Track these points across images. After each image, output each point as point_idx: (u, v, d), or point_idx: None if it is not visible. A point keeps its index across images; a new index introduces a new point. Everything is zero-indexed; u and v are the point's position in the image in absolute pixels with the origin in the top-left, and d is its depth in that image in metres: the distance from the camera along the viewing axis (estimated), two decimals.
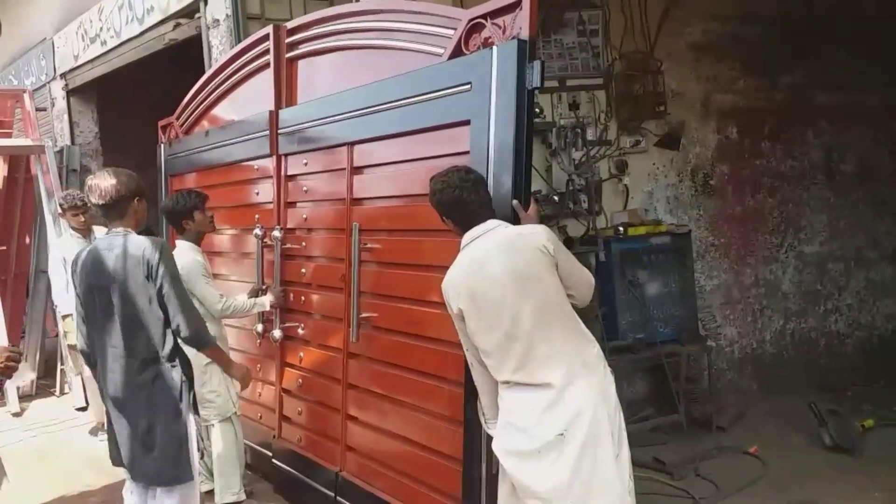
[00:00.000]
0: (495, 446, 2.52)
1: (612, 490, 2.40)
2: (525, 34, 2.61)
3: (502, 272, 2.43)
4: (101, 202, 2.89)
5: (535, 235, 2.49)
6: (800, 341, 5.87)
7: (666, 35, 5.13)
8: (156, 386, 2.92)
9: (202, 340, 3.02)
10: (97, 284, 2.93)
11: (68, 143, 8.10)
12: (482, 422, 2.65)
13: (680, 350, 4.90)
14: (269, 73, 4.23)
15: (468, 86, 2.82)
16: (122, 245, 2.89)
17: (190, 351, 3.10)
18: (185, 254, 3.83)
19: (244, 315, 4.11)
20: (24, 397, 6.51)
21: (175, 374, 2.93)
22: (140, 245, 2.86)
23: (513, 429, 2.44)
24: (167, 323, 2.89)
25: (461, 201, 2.53)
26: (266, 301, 4.05)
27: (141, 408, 2.94)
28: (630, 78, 5.01)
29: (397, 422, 3.36)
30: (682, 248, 5.10)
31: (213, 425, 3.89)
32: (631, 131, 5.08)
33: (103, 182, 2.89)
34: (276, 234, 4.12)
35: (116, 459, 3.11)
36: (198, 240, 3.99)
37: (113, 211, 2.92)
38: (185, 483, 2.97)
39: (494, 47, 2.70)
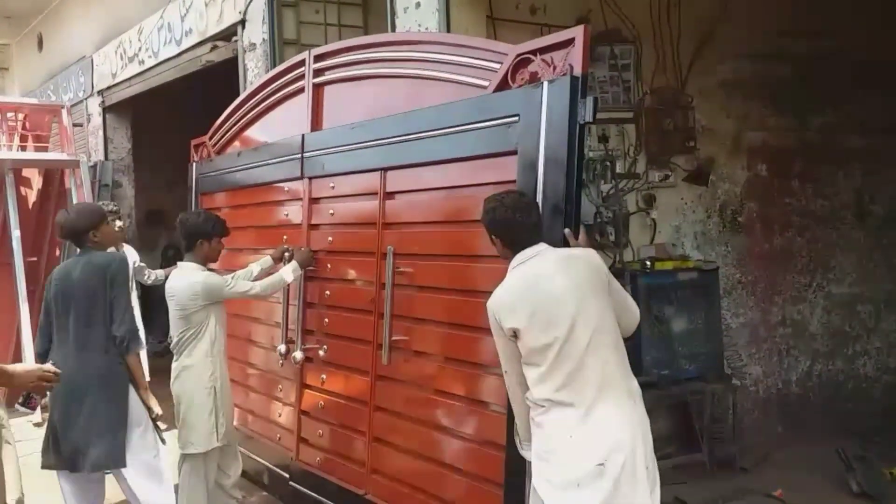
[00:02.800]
0: (535, 479, 2.48)
1: None
2: (578, 70, 2.68)
3: (563, 288, 2.44)
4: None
5: (593, 255, 2.57)
6: (826, 383, 5.77)
7: (697, 72, 5.14)
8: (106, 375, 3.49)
9: (127, 346, 3.50)
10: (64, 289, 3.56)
11: (102, 158, 8.28)
12: (517, 443, 2.65)
13: (704, 388, 4.83)
14: (302, 98, 4.30)
15: (516, 117, 2.89)
16: (88, 259, 3.58)
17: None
18: (194, 274, 3.78)
19: (270, 293, 4.01)
20: (46, 408, 6.55)
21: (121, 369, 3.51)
22: (105, 257, 3.61)
23: (552, 457, 2.41)
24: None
25: (514, 222, 2.55)
26: (289, 271, 3.95)
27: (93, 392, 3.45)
28: (660, 112, 5.02)
29: (430, 445, 3.36)
30: (709, 285, 5.05)
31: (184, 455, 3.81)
32: (660, 165, 5.07)
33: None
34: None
35: (53, 463, 3.60)
36: (203, 263, 3.89)
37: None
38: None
39: (546, 82, 2.77)
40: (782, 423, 5.54)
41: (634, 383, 2.50)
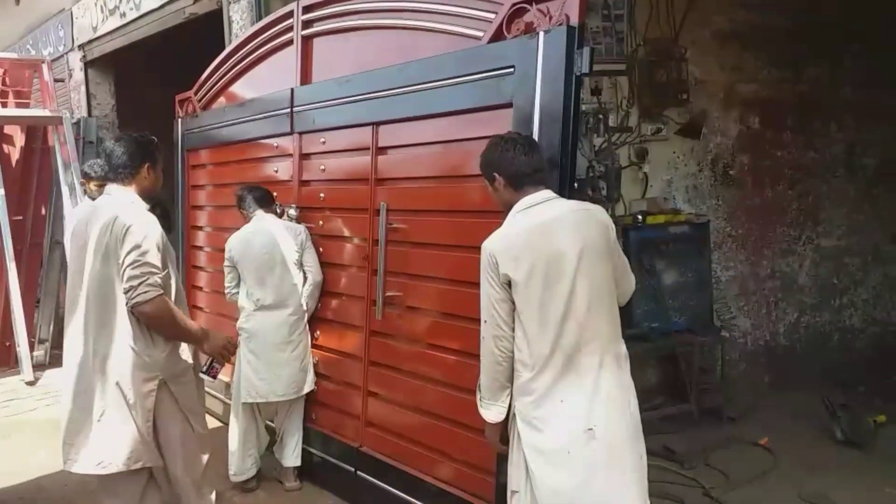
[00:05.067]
0: (523, 445, 2.37)
1: (635, 489, 2.35)
2: (575, 20, 2.62)
3: (571, 244, 2.31)
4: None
5: (602, 213, 2.45)
6: (813, 335, 5.85)
7: (691, 22, 5.06)
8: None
9: None
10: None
11: (85, 114, 8.12)
12: (477, 399, 2.51)
13: (693, 340, 4.89)
14: (290, 51, 4.22)
15: (511, 69, 2.83)
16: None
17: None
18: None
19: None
20: (38, 366, 6.58)
21: None
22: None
23: (541, 424, 2.33)
24: None
25: (518, 157, 2.40)
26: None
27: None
28: (653, 65, 4.95)
29: (424, 398, 3.39)
30: (699, 239, 5.07)
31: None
32: (652, 118, 5.03)
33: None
34: (293, 212, 4.13)
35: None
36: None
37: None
38: None
39: (542, 32, 2.71)
40: (769, 374, 5.63)
41: (623, 348, 2.44)
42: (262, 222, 4.00)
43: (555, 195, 2.44)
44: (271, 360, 3.86)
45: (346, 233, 3.90)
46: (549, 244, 2.33)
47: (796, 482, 3.97)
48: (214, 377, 3.13)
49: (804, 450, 4.42)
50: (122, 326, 2.74)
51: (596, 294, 2.34)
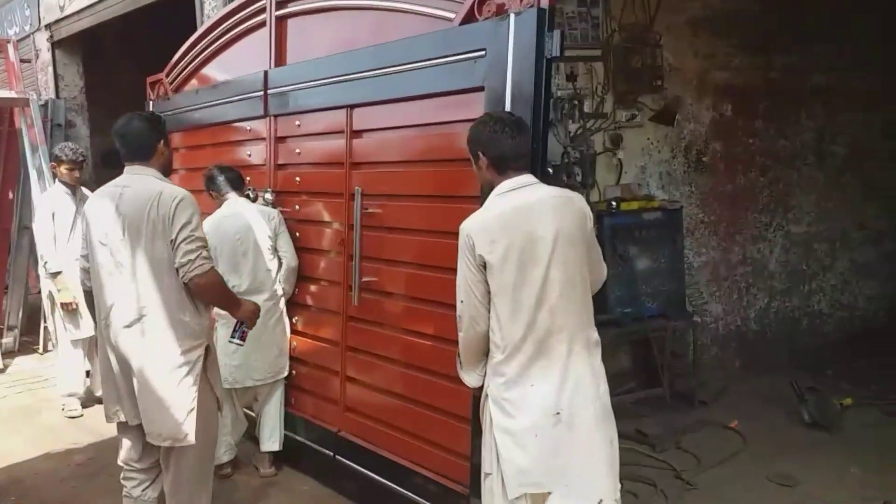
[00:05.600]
0: (493, 426, 2.40)
1: (605, 477, 2.38)
2: (545, 2, 2.61)
3: (551, 229, 2.32)
4: None
5: (582, 202, 2.46)
6: (783, 320, 5.95)
7: (666, 9, 5.07)
8: None
9: None
10: None
11: (53, 96, 7.94)
12: (457, 365, 2.56)
13: (666, 325, 4.94)
14: (263, 32, 4.16)
15: (483, 52, 2.82)
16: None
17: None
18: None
19: None
20: (7, 354, 6.47)
21: None
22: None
23: (509, 406, 2.36)
24: None
25: (505, 137, 2.38)
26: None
27: None
28: (628, 51, 4.96)
29: (401, 383, 3.40)
30: (672, 225, 5.11)
31: None
32: (627, 105, 5.05)
33: None
34: (268, 196, 4.09)
35: None
36: None
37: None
38: None
39: (512, 14, 2.69)
40: (740, 359, 5.72)
41: (594, 334, 2.46)
42: (235, 206, 3.95)
43: (536, 180, 2.44)
44: (247, 345, 3.84)
45: (323, 217, 3.88)
46: (525, 228, 2.33)
47: (765, 463, 4.05)
48: (244, 340, 3.31)
49: (773, 432, 4.51)
50: (172, 298, 2.86)
51: (569, 280, 2.36)
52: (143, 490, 3.09)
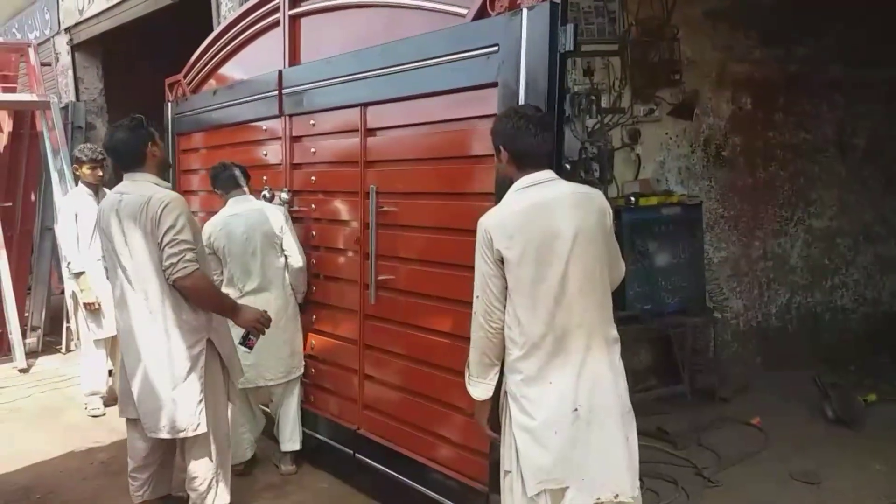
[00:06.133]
0: (512, 424, 2.39)
1: (623, 472, 2.36)
2: None
3: (567, 226, 2.30)
4: None
5: (602, 198, 2.45)
6: (805, 315, 5.88)
7: (683, 2, 5.02)
8: None
9: None
10: None
11: (73, 99, 8.04)
12: (465, 377, 2.51)
13: (686, 321, 4.90)
14: (278, 32, 4.17)
15: (496, 47, 2.80)
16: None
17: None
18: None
19: None
20: (31, 353, 6.56)
21: None
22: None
23: (528, 404, 2.34)
24: None
25: (528, 134, 2.36)
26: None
27: None
28: (646, 45, 4.92)
29: (418, 380, 3.39)
30: (692, 220, 5.07)
31: None
32: (645, 99, 5.01)
33: None
34: (284, 195, 4.10)
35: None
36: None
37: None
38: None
39: (525, 9, 2.67)
40: (761, 355, 5.66)
41: (613, 331, 2.43)
42: (239, 204, 3.95)
43: (555, 176, 2.43)
44: (258, 344, 3.84)
45: (338, 216, 3.88)
46: (545, 224, 2.32)
47: (787, 461, 4.01)
48: (251, 348, 3.29)
49: (795, 429, 4.45)
50: (171, 298, 2.97)
51: (588, 277, 2.34)
52: (142, 491, 3.22)
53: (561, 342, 2.32)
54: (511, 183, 2.44)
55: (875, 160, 6.04)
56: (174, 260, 2.88)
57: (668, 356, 5.00)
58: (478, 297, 2.41)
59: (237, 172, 4.03)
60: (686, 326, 4.89)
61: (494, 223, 2.35)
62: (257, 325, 3.20)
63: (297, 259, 3.94)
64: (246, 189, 4.05)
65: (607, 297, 2.44)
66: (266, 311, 3.29)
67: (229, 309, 3.15)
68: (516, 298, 2.34)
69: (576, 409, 2.31)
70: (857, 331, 6.08)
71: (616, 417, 2.36)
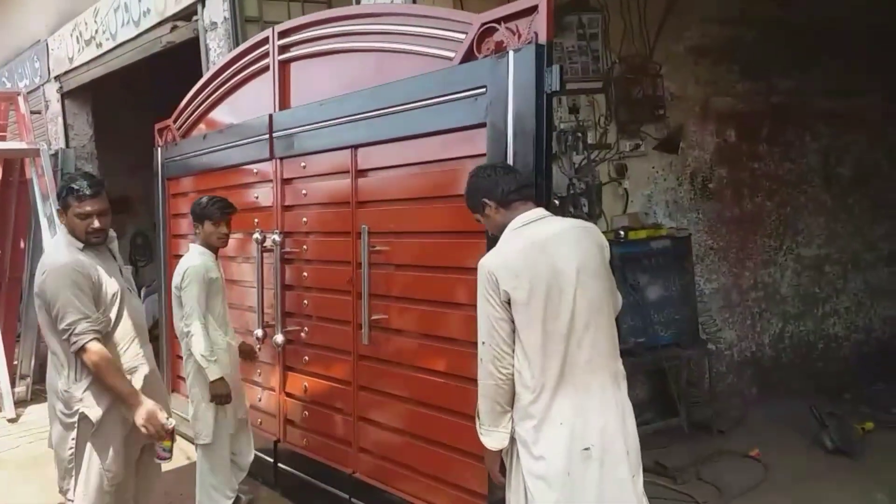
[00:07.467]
0: (526, 471, 2.33)
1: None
2: (543, 38, 2.64)
3: (569, 261, 2.30)
4: None
5: (599, 233, 2.46)
6: (798, 344, 5.88)
7: (665, 38, 5.13)
8: None
9: None
10: None
11: (63, 145, 8.06)
12: (476, 426, 2.43)
13: (680, 354, 4.90)
14: (268, 76, 4.22)
15: (483, 89, 2.85)
16: None
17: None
18: (188, 257, 3.77)
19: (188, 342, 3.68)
20: (20, 403, 6.45)
21: None
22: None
23: (538, 448, 2.30)
24: None
25: (500, 178, 2.41)
26: (215, 369, 3.60)
27: None
28: (629, 81, 5.00)
29: (414, 421, 3.36)
30: (681, 252, 5.10)
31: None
32: (630, 135, 5.07)
33: None
34: (276, 237, 4.10)
35: None
36: (208, 247, 3.79)
37: None
38: None
39: (511, 51, 2.73)
40: (756, 385, 5.64)
41: (620, 366, 2.41)
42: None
43: (548, 213, 2.44)
44: None
45: (330, 257, 3.88)
46: (548, 261, 2.30)
47: (788, 492, 3.97)
48: (161, 459, 2.96)
49: (795, 459, 4.42)
50: (54, 363, 2.93)
51: (594, 312, 2.33)
52: None
53: (572, 379, 2.29)
54: (501, 233, 2.43)
55: (861, 188, 6.11)
56: (65, 336, 2.76)
57: (664, 389, 4.99)
58: (484, 343, 2.33)
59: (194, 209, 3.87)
60: (680, 359, 4.89)
61: (498, 264, 2.31)
62: (147, 428, 2.80)
63: (185, 322, 3.66)
64: (194, 234, 3.88)
65: (613, 331, 2.42)
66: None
67: (121, 397, 2.83)
68: (526, 339, 2.29)
69: (587, 449, 2.28)
70: (851, 358, 6.08)
71: (624, 456, 2.33)
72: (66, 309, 2.75)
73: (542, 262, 2.30)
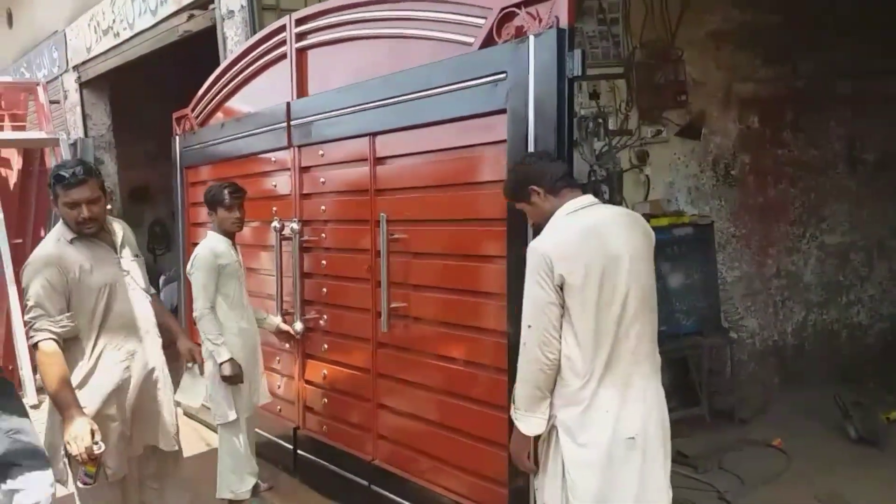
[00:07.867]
0: (568, 461, 2.32)
1: (665, 493, 2.36)
2: (564, 23, 2.60)
3: (625, 247, 2.29)
4: None
5: (644, 221, 2.46)
6: (821, 332, 5.81)
7: (686, 23, 5.04)
8: None
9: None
10: None
11: (81, 135, 8.11)
12: (511, 411, 2.40)
13: (702, 342, 4.85)
14: (285, 64, 4.20)
15: (504, 75, 2.80)
16: None
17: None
18: (201, 244, 3.80)
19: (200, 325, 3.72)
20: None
21: None
22: None
23: (584, 436, 2.28)
24: None
25: (546, 163, 2.44)
26: (224, 352, 3.64)
27: None
28: (651, 67, 4.93)
29: (433, 409, 3.35)
30: (704, 240, 5.04)
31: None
32: (652, 121, 5.01)
33: None
34: (294, 226, 4.09)
35: None
36: (224, 233, 3.81)
37: None
38: None
39: (532, 36, 2.68)
40: (779, 374, 5.58)
41: (658, 356, 2.41)
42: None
43: (597, 200, 2.44)
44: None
45: (349, 245, 3.87)
46: (603, 247, 2.29)
47: (811, 482, 3.93)
48: (83, 483, 2.71)
49: (818, 449, 4.37)
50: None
51: (642, 300, 2.33)
52: None
53: (615, 368, 2.28)
54: (546, 221, 2.41)
55: (886, 174, 6.00)
56: (26, 329, 2.72)
57: (686, 378, 4.94)
58: (530, 326, 2.31)
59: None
60: (702, 347, 4.84)
61: (553, 248, 2.28)
62: (71, 446, 2.58)
63: (194, 309, 3.72)
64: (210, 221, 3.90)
65: (655, 320, 2.41)
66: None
67: (57, 404, 2.69)
68: (577, 323, 2.26)
69: (632, 438, 2.28)
70: (875, 347, 6.00)
71: (662, 447, 2.35)
72: (31, 302, 2.70)
73: (597, 248, 2.28)
